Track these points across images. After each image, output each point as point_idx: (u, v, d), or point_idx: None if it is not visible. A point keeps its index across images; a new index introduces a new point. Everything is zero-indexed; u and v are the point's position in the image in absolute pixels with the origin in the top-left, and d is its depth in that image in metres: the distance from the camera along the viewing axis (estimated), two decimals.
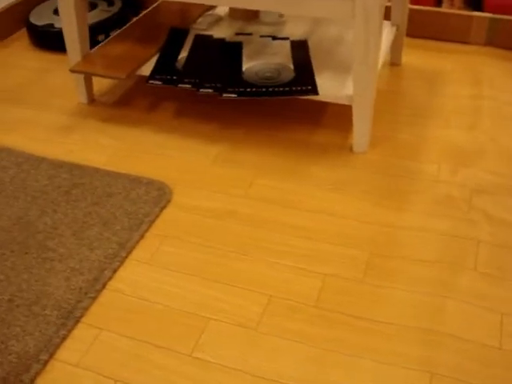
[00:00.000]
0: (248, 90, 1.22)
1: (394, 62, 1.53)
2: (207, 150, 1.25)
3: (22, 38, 1.73)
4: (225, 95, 1.20)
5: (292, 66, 1.28)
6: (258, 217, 1.07)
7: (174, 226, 1.06)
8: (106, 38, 1.64)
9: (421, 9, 1.61)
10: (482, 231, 1.02)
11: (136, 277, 0.97)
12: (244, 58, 1.32)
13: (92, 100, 1.41)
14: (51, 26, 1.61)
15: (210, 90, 1.22)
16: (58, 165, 1.20)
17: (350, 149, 1.23)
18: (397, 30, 1.43)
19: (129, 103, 1.40)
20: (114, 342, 0.87)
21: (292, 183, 1.15)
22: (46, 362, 0.84)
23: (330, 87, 1.22)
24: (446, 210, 1.07)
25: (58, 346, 0.86)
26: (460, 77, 1.46)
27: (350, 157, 1.21)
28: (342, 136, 1.28)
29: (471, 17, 1.57)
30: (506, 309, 0.88)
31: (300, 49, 1.36)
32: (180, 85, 1.24)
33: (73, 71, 1.29)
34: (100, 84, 1.47)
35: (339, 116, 1.36)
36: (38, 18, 1.65)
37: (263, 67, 1.30)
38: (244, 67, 1.29)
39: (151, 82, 1.26)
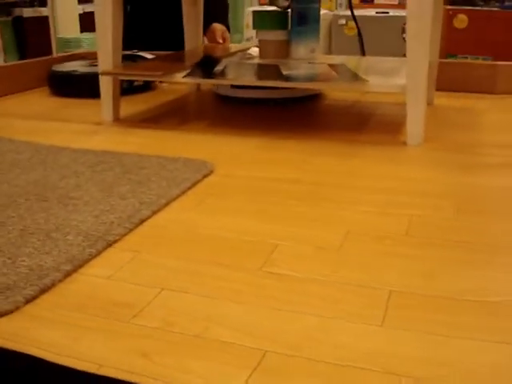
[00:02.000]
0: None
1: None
2: (249, 140, 1.14)
3: (42, 90, 1.68)
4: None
5: (334, 73, 1.23)
6: (321, 181, 0.93)
7: (221, 187, 0.91)
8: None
9: (443, 61, 1.61)
10: None
11: (181, 216, 0.79)
12: (282, 71, 1.27)
13: (117, 118, 1.31)
14: (75, 71, 1.57)
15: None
16: (82, 151, 1.06)
17: (404, 143, 1.12)
18: (429, 65, 1.41)
19: (157, 120, 1.30)
20: (159, 260, 0.67)
21: (350, 161, 1.02)
22: (68, 273, 0.63)
23: (381, 80, 1.16)
24: None
25: (84, 262, 0.66)
26: (497, 109, 1.43)
27: (404, 147, 1.10)
28: (392, 135, 1.18)
29: (495, 66, 1.58)
30: None
31: (339, 65, 1.32)
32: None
33: (103, 73, 1.21)
34: (126, 108, 1.39)
35: (384, 121, 1.28)
36: (62, 67, 1.62)
37: (304, 72, 1.24)
38: (284, 72, 1.23)
39: (187, 77, 1.20)
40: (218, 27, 2.03)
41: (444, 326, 0.55)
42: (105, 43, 1.27)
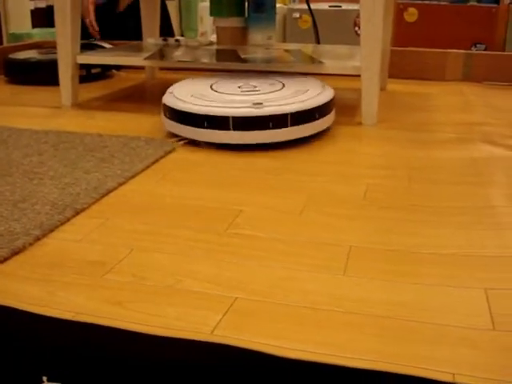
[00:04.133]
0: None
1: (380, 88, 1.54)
2: None
3: None
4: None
5: (292, 57, 1.26)
6: (282, 156, 0.96)
7: (185, 162, 0.93)
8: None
9: (395, 49, 1.67)
10: None
11: (146, 187, 0.81)
12: (240, 55, 1.29)
13: (76, 103, 1.31)
14: (32, 58, 1.56)
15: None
16: (43, 132, 1.06)
17: (359, 123, 1.17)
18: (382, 52, 1.46)
19: (117, 105, 1.31)
20: (127, 225, 0.69)
21: (309, 139, 1.05)
22: (37, 237, 0.64)
23: (336, 62, 1.20)
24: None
25: (53, 227, 0.67)
26: (446, 93, 1.50)
27: (360, 127, 1.15)
28: (348, 117, 1.22)
29: (446, 53, 1.65)
30: None
31: (296, 50, 1.35)
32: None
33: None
34: (84, 95, 1.39)
35: (340, 104, 1.32)
36: (18, 55, 1.61)
37: (261, 55, 1.27)
38: (242, 56, 1.26)
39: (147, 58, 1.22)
40: None
41: (402, 274, 0.58)
42: (64, 30, 1.26)
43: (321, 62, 1.16)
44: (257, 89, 1.09)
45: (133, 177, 0.84)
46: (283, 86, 1.11)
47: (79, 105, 1.31)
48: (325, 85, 1.12)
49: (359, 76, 1.14)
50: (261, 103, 0.98)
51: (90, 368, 0.43)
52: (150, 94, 1.51)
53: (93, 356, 0.44)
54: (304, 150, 1.00)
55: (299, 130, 1.01)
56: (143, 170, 0.87)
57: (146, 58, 1.23)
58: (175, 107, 1.02)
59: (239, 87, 1.09)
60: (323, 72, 1.17)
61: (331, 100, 1.07)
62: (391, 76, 1.58)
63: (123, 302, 0.52)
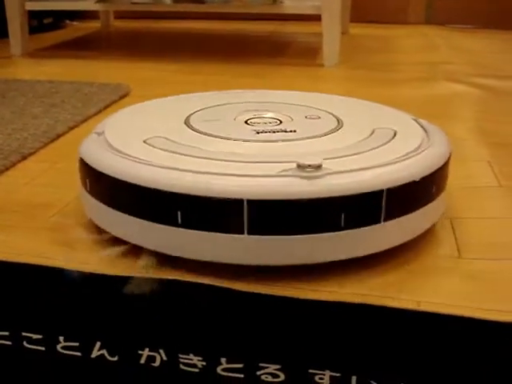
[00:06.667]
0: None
1: (341, 31, 1.50)
2: (168, 66, 1.12)
3: None
4: None
5: None
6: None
7: None
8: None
9: None
10: None
11: None
12: None
13: (27, 53, 1.25)
14: None
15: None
16: None
17: (321, 65, 1.14)
18: None
19: (70, 53, 1.25)
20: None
21: (272, 80, 1.03)
22: None
23: (296, 2, 1.15)
24: None
25: None
26: (409, 36, 1.48)
27: (322, 68, 1.12)
28: (310, 59, 1.19)
29: None
30: None
31: None
32: None
33: None
34: (36, 45, 1.33)
35: (302, 47, 1.31)
36: None
37: None
38: None
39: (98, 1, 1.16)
40: None
41: None
42: None
43: (281, 2, 1.12)
44: (284, 127, 0.53)
45: (84, 120, 0.80)
46: (338, 121, 0.54)
47: (30, 54, 1.26)
48: (417, 119, 0.56)
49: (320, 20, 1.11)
50: (318, 165, 0.43)
51: (32, 310, 0.41)
52: (105, 42, 1.45)
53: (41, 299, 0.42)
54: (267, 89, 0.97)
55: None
56: (95, 114, 0.83)
57: (97, 2, 1.17)
58: (108, 173, 0.46)
59: (249, 122, 0.54)
60: (283, 12, 1.13)
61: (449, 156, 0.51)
62: (353, 20, 1.55)
63: (73, 244, 0.49)
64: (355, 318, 0.38)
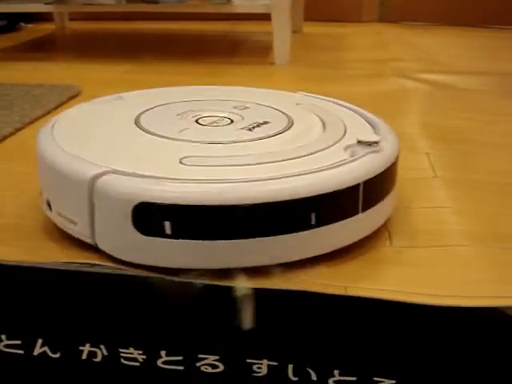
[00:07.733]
0: None
1: (294, 30, 1.52)
2: (119, 67, 1.12)
3: None
4: None
5: None
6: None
7: None
8: None
9: None
10: None
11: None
12: None
13: None
14: None
15: None
16: None
17: (272, 63, 1.15)
18: None
19: (23, 55, 1.23)
20: (23, 169, 0.65)
21: (222, 78, 1.04)
22: None
23: (245, 1, 1.16)
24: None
25: None
26: (362, 34, 1.51)
27: (273, 66, 1.14)
28: (261, 58, 1.21)
29: None
30: None
31: None
32: None
33: None
34: None
35: (254, 46, 1.32)
36: None
37: None
38: None
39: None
40: None
41: None
42: None
43: (229, 1, 1.13)
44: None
45: (31, 122, 0.80)
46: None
47: None
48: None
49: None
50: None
51: None
52: (59, 44, 1.44)
53: None
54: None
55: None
56: (43, 116, 0.83)
57: (47, 3, 1.16)
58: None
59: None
60: (234, 11, 1.14)
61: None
62: (306, 19, 1.57)
63: (6, 241, 0.50)
64: (286, 305, 0.39)
